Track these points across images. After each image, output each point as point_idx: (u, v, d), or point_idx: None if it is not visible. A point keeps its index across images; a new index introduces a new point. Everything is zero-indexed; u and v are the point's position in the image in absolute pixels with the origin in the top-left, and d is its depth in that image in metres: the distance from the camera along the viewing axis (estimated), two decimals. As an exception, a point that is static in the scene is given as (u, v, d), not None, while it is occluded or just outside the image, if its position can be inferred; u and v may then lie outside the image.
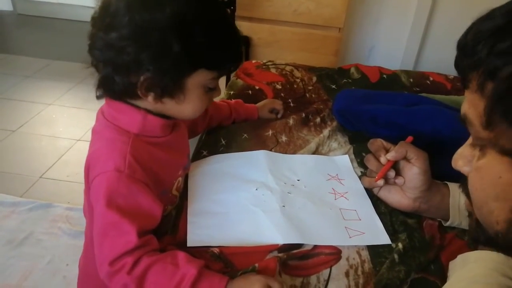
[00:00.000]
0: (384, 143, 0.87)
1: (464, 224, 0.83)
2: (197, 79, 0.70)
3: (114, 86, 0.69)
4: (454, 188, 0.83)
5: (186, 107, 0.73)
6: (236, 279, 0.66)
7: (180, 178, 0.84)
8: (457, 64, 0.46)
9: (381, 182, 0.85)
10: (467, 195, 0.50)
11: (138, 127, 0.73)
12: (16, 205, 1.74)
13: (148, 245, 0.67)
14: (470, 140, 0.50)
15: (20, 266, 1.49)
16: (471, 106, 0.44)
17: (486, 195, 0.46)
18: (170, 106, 0.73)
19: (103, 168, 0.69)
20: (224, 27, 0.70)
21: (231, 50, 0.72)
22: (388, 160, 0.85)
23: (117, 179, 0.68)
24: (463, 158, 0.49)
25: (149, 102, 0.71)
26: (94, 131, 0.77)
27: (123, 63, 0.66)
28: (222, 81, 2.20)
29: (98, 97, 0.73)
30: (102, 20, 0.66)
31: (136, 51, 0.64)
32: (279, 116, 1.17)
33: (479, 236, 0.50)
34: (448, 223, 0.83)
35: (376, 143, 0.87)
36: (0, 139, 2.16)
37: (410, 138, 0.86)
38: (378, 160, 0.86)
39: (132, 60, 0.65)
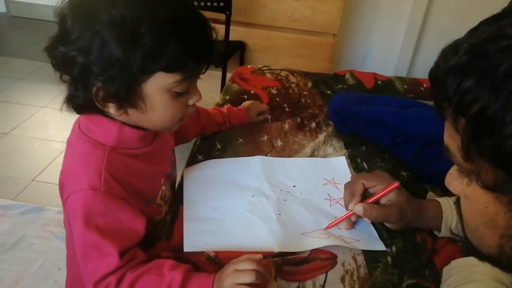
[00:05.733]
0: (366, 183, 0.83)
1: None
2: (156, 84, 0.65)
3: (76, 100, 0.67)
4: (447, 210, 0.82)
5: (153, 116, 0.68)
6: (217, 274, 0.66)
7: (164, 187, 0.82)
8: (431, 94, 0.46)
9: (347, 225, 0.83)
10: (461, 216, 0.50)
11: (114, 139, 0.70)
12: (7, 208, 1.72)
13: (132, 261, 0.66)
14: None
15: (11, 270, 1.47)
16: (450, 138, 0.44)
17: (476, 222, 0.46)
18: (137, 117, 0.69)
19: (78, 186, 0.66)
20: (177, 25, 0.62)
21: (187, 49, 0.64)
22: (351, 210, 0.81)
23: (93, 198, 0.65)
24: (455, 180, 0.48)
25: (115, 113, 0.67)
26: (69, 142, 0.74)
27: (76, 75, 0.63)
28: (216, 86, 2.21)
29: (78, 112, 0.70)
30: (58, 34, 0.64)
31: (84, 61, 0.62)
32: (268, 117, 1.17)
33: (474, 254, 0.50)
34: (440, 235, 0.84)
35: (355, 186, 0.83)
36: (-8, 141, 2.15)
37: (396, 184, 0.80)
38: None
39: (83, 71, 0.62)
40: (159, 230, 0.82)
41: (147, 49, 0.61)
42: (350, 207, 0.81)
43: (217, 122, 1.08)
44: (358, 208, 0.79)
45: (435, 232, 0.84)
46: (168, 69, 0.64)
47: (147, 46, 0.61)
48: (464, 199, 0.48)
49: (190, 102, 0.72)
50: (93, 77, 0.63)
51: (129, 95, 0.65)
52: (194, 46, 0.65)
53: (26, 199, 1.80)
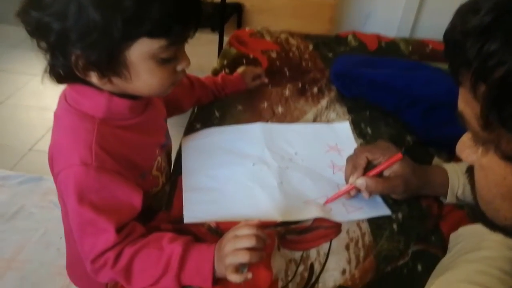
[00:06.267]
0: (369, 156, 0.80)
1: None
2: (140, 51, 0.60)
3: (56, 70, 0.63)
4: (454, 177, 0.79)
5: (139, 84, 0.64)
6: (217, 242, 0.65)
7: (159, 158, 0.79)
8: (446, 58, 0.42)
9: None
10: (472, 186, 0.48)
11: (103, 111, 0.66)
12: (6, 179, 1.71)
13: (130, 235, 0.64)
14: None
15: (13, 240, 1.48)
16: (466, 105, 0.41)
17: (492, 194, 0.43)
18: (122, 86, 0.64)
19: (68, 162, 0.63)
20: None
21: (171, 10, 0.59)
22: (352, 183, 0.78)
23: (85, 174, 0.62)
24: (468, 148, 0.45)
25: (98, 82, 0.63)
26: (56, 115, 0.70)
27: (53, 43, 0.59)
28: (213, 50, 2.14)
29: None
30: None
31: (60, 28, 0.57)
32: (265, 80, 1.13)
33: (485, 224, 0.48)
34: (446, 202, 0.82)
35: (357, 159, 0.80)
36: (-13, 111, 2.11)
37: (399, 156, 0.77)
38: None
39: (59, 38, 0.57)
40: (158, 202, 0.80)
41: (128, 13, 0.56)
42: (351, 180, 0.78)
43: (212, 91, 1.04)
44: (360, 182, 0.76)
45: (441, 199, 0.82)
46: (152, 34, 0.59)
47: (127, 9, 0.56)
48: (479, 169, 0.45)
49: (179, 68, 0.67)
50: (71, 45, 0.58)
51: (111, 63, 0.60)
52: (180, 8, 0.60)
53: (24, 168, 1.79)
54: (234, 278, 0.60)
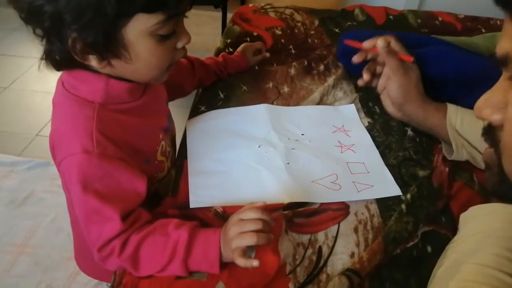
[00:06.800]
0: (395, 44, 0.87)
1: (466, 155, 0.81)
2: (138, 28, 0.59)
3: (53, 56, 0.61)
4: (452, 110, 0.82)
5: (139, 65, 0.63)
6: (223, 227, 0.64)
7: (163, 142, 0.77)
8: None
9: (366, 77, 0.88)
10: (494, 146, 0.44)
11: (102, 95, 0.64)
12: (14, 165, 1.72)
13: (136, 222, 0.64)
14: (499, 84, 0.43)
15: (24, 225, 1.49)
16: None
17: None
18: (122, 68, 0.63)
19: (69, 150, 0.62)
20: None
21: None
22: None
23: (87, 162, 0.61)
24: (491, 106, 0.42)
25: (97, 66, 0.61)
26: (54, 102, 0.69)
27: (48, 27, 0.57)
28: (217, 28, 2.10)
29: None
30: None
31: (53, 10, 0.55)
32: (266, 54, 1.11)
33: (506, 192, 0.45)
34: (453, 155, 0.81)
35: (388, 36, 0.86)
36: (-8, 96, 2.11)
37: (411, 59, 0.85)
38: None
39: (54, 21, 0.56)
40: (164, 187, 0.79)
41: None
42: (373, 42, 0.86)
43: (214, 71, 1.02)
44: (382, 44, 0.84)
45: (446, 155, 0.82)
46: (147, 9, 0.58)
47: None
48: (510, 125, 0.41)
49: (179, 45, 0.66)
50: (66, 27, 0.56)
51: (109, 44, 0.59)
52: None
53: (32, 154, 1.80)
54: (241, 262, 0.59)
